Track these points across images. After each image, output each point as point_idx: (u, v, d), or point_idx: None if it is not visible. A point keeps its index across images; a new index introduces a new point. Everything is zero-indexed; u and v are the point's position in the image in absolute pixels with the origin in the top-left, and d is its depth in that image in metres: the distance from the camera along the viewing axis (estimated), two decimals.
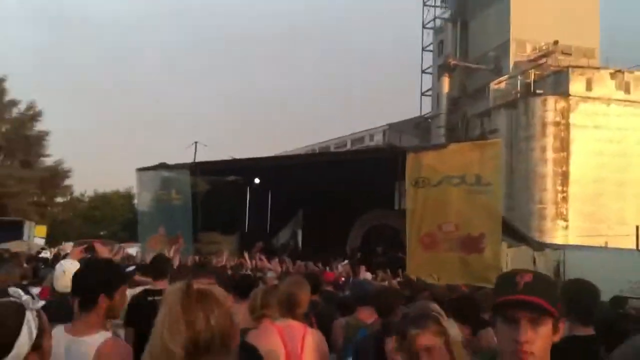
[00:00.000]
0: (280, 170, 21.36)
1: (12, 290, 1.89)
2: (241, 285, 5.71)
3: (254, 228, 24.43)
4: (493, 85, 36.96)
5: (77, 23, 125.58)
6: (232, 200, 23.34)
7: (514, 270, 2.21)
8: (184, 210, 20.43)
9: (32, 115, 37.07)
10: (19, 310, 1.81)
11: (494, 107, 35.52)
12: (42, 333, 1.86)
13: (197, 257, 12.35)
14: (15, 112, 36.90)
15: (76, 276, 3.29)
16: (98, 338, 2.86)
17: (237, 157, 21.11)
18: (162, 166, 21.70)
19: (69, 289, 4.65)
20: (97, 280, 3.11)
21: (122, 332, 5.20)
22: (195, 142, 21.60)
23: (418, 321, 2.54)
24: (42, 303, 1.97)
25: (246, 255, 13.64)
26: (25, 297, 1.87)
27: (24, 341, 1.78)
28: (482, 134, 33.51)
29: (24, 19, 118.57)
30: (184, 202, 20.62)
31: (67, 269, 4.83)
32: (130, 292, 6.01)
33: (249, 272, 9.47)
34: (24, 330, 1.78)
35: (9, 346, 1.74)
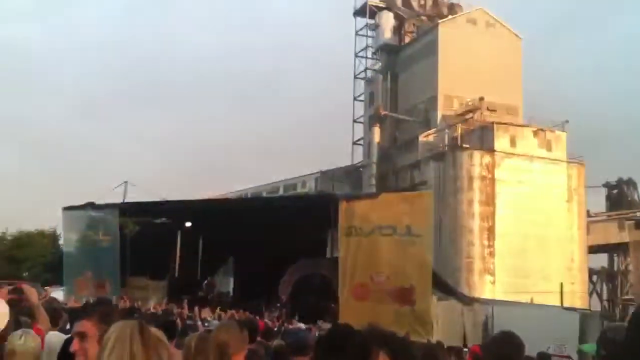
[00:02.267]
0: (212, 215, 21.16)
1: None
2: (168, 329, 5.64)
3: (184, 273, 23.95)
4: (422, 138, 38.08)
5: None
6: (162, 243, 22.85)
7: None
8: (111, 252, 19.85)
9: None
10: None
11: (423, 158, 36.51)
12: None
13: (126, 302, 11.97)
14: None
15: None
16: None
17: (168, 199, 20.76)
18: (90, 206, 21.11)
19: None
20: None
21: None
22: (125, 182, 21.19)
23: None
24: None
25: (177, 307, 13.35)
26: None
27: None
28: (412, 185, 34.34)
29: None
30: (112, 244, 20.05)
31: None
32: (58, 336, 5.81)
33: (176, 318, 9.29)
34: None
35: None
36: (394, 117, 43.04)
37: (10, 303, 5.57)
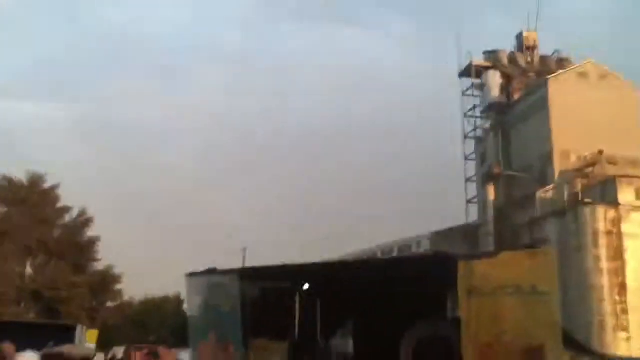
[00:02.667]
0: (330, 277, 21.31)
1: None
2: None
3: (304, 335, 24.11)
4: (540, 194, 36.88)
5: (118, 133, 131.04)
6: (281, 306, 23.24)
7: None
8: (233, 316, 20.40)
9: (84, 222, 38.30)
10: None
11: (542, 215, 35.27)
12: None
13: None
14: (67, 218, 38.22)
15: None
16: None
17: (286, 263, 21.21)
18: (212, 272, 21.89)
19: None
20: None
21: None
22: (244, 248, 21.95)
23: None
24: None
25: None
26: None
27: None
28: (532, 243, 33.13)
29: (71, 130, 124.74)
30: (233, 308, 20.64)
31: None
32: None
33: None
34: None
35: None
36: (508, 174, 42.08)
37: None
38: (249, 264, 21.61)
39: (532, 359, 14.02)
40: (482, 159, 46.60)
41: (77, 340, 23.32)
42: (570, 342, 17.14)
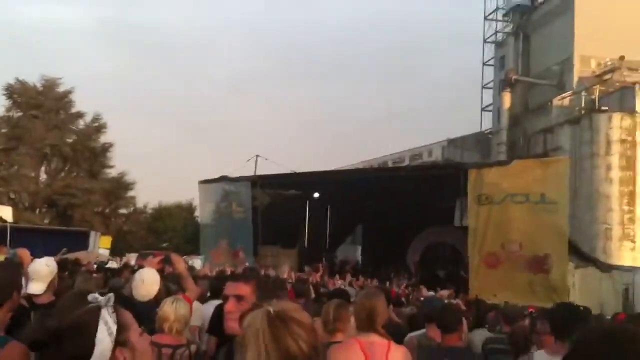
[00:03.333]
0: (340, 185, 21.40)
1: (90, 296, 1.92)
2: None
3: (313, 242, 24.51)
4: (556, 101, 36.13)
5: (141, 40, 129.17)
6: (291, 214, 23.49)
7: None
8: (244, 223, 20.70)
9: (97, 127, 38.16)
10: (94, 310, 1.87)
11: (557, 123, 34.69)
12: (124, 329, 1.89)
13: (262, 271, 12.43)
14: (81, 124, 38.08)
15: None
16: None
17: (297, 171, 21.24)
18: (224, 179, 22.04)
19: (147, 297, 4.82)
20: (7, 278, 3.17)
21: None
22: (257, 156, 21.86)
23: None
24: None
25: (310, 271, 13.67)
26: (100, 298, 1.91)
27: (102, 336, 1.83)
28: (544, 151, 32.75)
29: (91, 33, 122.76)
30: (244, 215, 20.89)
31: (146, 278, 5.00)
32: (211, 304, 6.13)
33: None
34: (100, 326, 1.84)
35: (89, 345, 1.80)
36: (526, 81, 41.07)
37: (160, 272, 5.96)
38: (261, 172, 21.61)
39: (536, 268, 14.19)
40: (500, 64, 45.51)
41: (90, 246, 23.83)
42: (575, 251, 17.30)
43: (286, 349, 1.76)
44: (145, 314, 4.64)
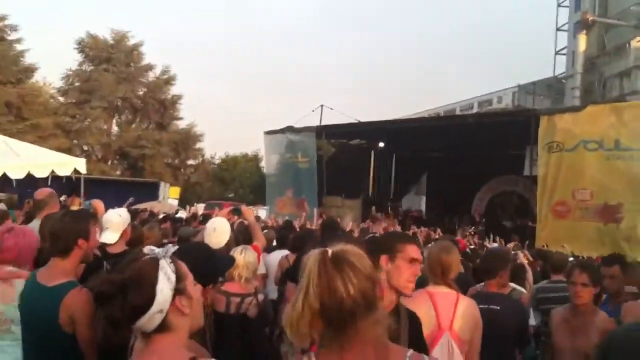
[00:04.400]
0: (405, 134, 21.13)
1: (145, 249, 2.03)
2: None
3: (378, 193, 24.50)
4: (634, 43, 34.30)
5: None
6: (356, 164, 23.49)
7: None
8: (309, 173, 20.83)
9: (167, 79, 38.75)
10: (153, 261, 1.96)
11: (635, 66, 33.03)
12: (182, 278, 1.99)
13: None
14: (150, 76, 38.76)
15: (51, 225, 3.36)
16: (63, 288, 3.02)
17: (362, 120, 21.08)
18: (289, 129, 22.13)
19: (218, 246, 4.93)
20: (74, 226, 3.24)
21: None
22: (321, 106, 21.76)
23: None
24: (173, 249, 2.06)
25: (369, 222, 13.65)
26: (157, 250, 2.02)
27: (162, 286, 1.92)
28: (621, 96, 31.34)
29: None
30: (309, 165, 21.00)
31: (218, 226, 5.11)
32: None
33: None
34: (160, 276, 1.93)
35: (151, 294, 1.89)
36: (603, 22, 39.06)
37: (230, 222, 6.08)
38: (326, 122, 21.56)
39: (607, 217, 13.72)
40: (576, 5, 43.44)
41: (160, 196, 24.57)
42: None
43: (333, 290, 1.77)
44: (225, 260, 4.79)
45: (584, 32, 38.71)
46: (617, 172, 13.82)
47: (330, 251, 1.83)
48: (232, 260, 3.68)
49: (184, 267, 2.04)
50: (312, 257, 1.83)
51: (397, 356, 1.92)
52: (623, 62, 34.68)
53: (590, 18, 38.53)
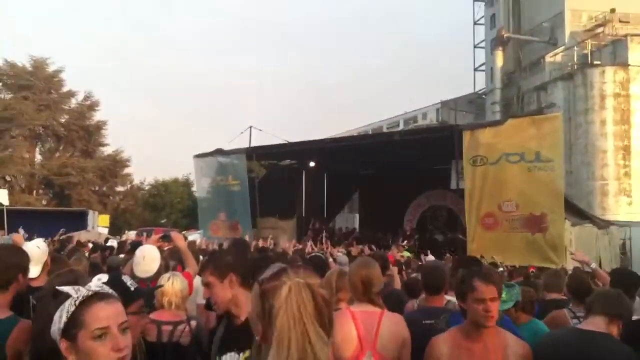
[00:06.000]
0: (335, 153, 21.36)
1: (64, 288, 1.93)
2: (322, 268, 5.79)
3: (311, 212, 24.56)
4: (548, 58, 35.90)
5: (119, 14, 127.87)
6: (288, 184, 23.49)
7: None
8: (242, 195, 20.69)
9: (90, 105, 37.91)
10: (60, 298, 1.90)
11: (550, 80, 34.51)
12: (77, 326, 1.85)
13: (259, 243, 12.41)
14: (73, 102, 37.82)
15: None
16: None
17: (292, 140, 21.18)
18: (219, 152, 21.98)
19: (148, 274, 4.84)
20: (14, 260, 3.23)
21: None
22: (250, 127, 21.76)
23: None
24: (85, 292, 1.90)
25: (309, 242, 13.67)
26: (66, 289, 1.92)
27: (54, 326, 1.87)
28: (538, 109, 32.68)
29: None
30: (241, 188, 20.88)
31: (147, 254, 5.01)
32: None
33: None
34: (57, 315, 1.87)
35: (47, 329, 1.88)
36: (518, 38, 40.78)
37: (159, 249, 5.97)
38: (255, 143, 21.55)
39: (533, 227, 14.22)
40: (491, 23, 45.11)
41: (90, 225, 23.89)
42: (572, 209, 17.34)
43: (323, 323, 1.75)
44: (145, 291, 4.68)
45: (500, 48, 40.31)
46: (539, 183, 14.34)
47: (307, 283, 1.78)
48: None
49: (91, 317, 1.86)
50: (299, 290, 1.75)
51: None
52: (539, 77, 36.22)
53: (506, 35, 40.15)
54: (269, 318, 1.74)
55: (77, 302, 1.87)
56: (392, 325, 3.60)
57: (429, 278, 4.58)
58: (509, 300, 4.16)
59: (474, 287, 3.17)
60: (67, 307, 1.86)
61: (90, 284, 1.99)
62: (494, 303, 3.13)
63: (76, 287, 1.94)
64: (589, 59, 33.32)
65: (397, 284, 6.78)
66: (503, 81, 39.93)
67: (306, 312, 1.71)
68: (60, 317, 1.86)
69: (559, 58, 35.74)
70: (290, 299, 1.71)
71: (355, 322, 3.49)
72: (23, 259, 3.31)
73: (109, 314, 1.88)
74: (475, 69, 46.53)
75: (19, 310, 3.35)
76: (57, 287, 1.98)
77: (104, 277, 2.03)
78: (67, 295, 1.89)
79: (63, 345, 1.84)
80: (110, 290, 1.99)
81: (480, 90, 45.38)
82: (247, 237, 15.50)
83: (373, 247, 13.39)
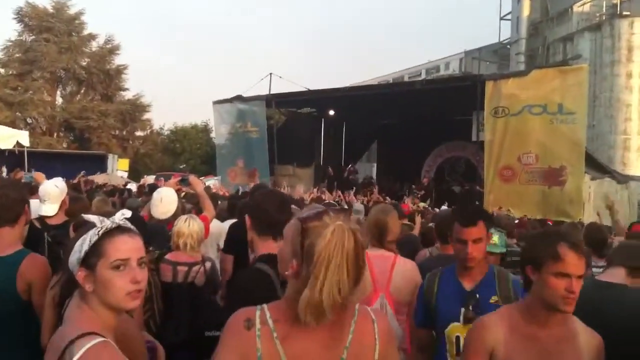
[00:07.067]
0: (355, 102, 21.16)
1: (87, 216, 2.04)
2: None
3: (329, 160, 24.54)
4: (576, 8, 34.93)
5: None
6: (307, 132, 23.42)
7: None
8: (260, 142, 20.71)
9: (111, 49, 37.69)
10: (85, 228, 1.97)
11: (577, 30, 33.67)
12: (96, 255, 1.90)
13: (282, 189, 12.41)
14: (94, 45, 37.62)
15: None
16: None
17: (312, 88, 20.98)
18: (238, 99, 21.90)
19: (165, 216, 4.91)
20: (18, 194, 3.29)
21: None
22: (270, 74, 21.53)
23: None
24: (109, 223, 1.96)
25: (325, 189, 13.68)
26: (92, 218, 2.02)
27: (74, 255, 1.94)
28: (564, 60, 31.97)
29: None
30: (260, 135, 20.88)
31: (164, 196, 5.06)
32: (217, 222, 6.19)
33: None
34: (77, 243, 1.94)
35: (67, 257, 1.95)
36: None
37: (178, 192, 6.03)
38: (275, 90, 21.38)
39: (551, 180, 14.12)
40: None
41: (109, 169, 24.11)
42: (592, 163, 17.11)
43: (358, 267, 1.77)
44: (161, 232, 4.75)
45: None
46: (560, 135, 14.17)
47: (350, 227, 1.79)
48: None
49: (112, 247, 1.92)
50: (342, 234, 1.76)
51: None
52: (566, 27, 35.34)
53: None
54: (308, 256, 1.75)
55: (100, 232, 1.93)
56: (406, 271, 3.66)
57: (443, 227, 4.57)
58: (501, 245, 4.13)
59: (559, 256, 2.34)
60: (90, 237, 1.93)
61: (114, 217, 2.03)
62: (579, 282, 2.34)
63: (101, 218, 2.01)
64: (618, 9, 32.37)
65: (417, 233, 6.84)
66: (529, 31, 38.98)
67: (347, 255, 1.73)
68: (81, 246, 1.92)
69: (587, 8, 34.75)
70: (333, 240, 1.73)
71: (369, 265, 3.49)
72: (24, 192, 3.42)
73: (130, 247, 1.95)
74: (501, 18, 45.39)
75: (34, 247, 3.46)
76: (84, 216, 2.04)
77: (128, 213, 2.06)
78: (92, 225, 1.95)
79: (81, 274, 1.91)
80: (132, 227, 2.04)
81: (505, 40, 44.40)
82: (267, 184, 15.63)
83: (387, 198, 13.40)
